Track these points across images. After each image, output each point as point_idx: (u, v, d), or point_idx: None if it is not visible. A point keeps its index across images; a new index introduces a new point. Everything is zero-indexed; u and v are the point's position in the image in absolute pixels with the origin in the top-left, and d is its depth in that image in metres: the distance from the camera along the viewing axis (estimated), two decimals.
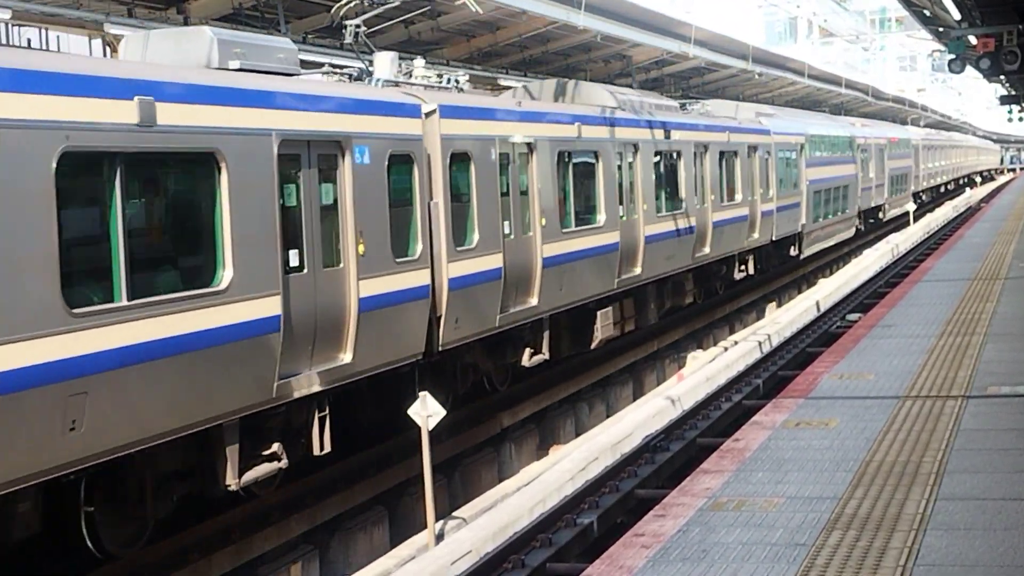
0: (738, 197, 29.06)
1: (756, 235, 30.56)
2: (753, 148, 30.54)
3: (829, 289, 30.91)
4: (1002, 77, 32.17)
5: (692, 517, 8.79)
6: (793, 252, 35.90)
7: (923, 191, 66.56)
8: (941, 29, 26.82)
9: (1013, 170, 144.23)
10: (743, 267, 30.87)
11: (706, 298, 28.99)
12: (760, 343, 22.98)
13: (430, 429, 13.02)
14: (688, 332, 27.53)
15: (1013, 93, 41.36)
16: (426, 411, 12.85)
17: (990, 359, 14.39)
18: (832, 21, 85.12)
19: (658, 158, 23.53)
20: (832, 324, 24.95)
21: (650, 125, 23.31)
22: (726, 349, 23.27)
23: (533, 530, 12.03)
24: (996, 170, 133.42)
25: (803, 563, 7.67)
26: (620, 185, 21.56)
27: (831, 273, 39.77)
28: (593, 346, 20.64)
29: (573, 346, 20.46)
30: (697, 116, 27.55)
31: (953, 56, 23.80)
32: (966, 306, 19.35)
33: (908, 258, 37.26)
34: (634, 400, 21.91)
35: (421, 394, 13.09)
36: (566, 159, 19.40)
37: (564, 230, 18.97)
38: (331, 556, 13.83)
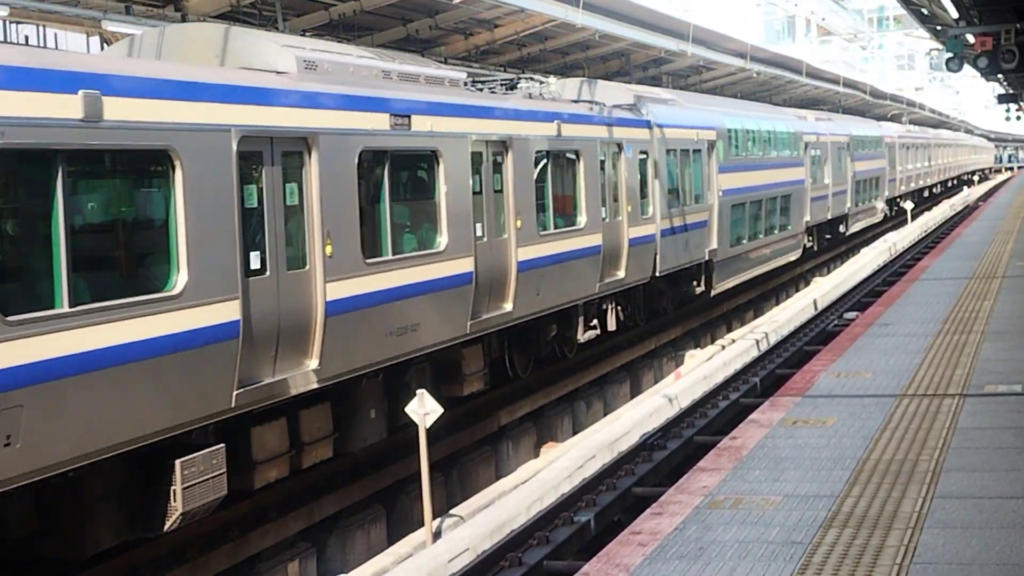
0: (581, 220, 19.90)
1: (621, 273, 21.55)
2: (616, 147, 21.56)
3: (827, 288, 30.94)
4: (1000, 76, 32.24)
5: (689, 515, 8.80)
6: (699, 289, 26.99)
7: (901, 197, 57.23)
8: (939, 28, 26.89)
9: (1011, 168, 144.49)
10: (593, 322, 21.49)
11: (537, 369, 20.19)
12: (757, 341, 23.01)
13: (427, 427, 13.03)
14: (686, 331, 27.53)
15: (1011, 92, 41.46)
16: (423, 409, 12.87)
17: (987, 358, 14.40)
18: (830, 20, 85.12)
19: (384, 163, 14.41)
20: (829, 322, 24.97)
21: (372, 107, 14.12)
22: (724, 347, 23.30)
23: (530, 528, 12.04)
24: (991, 170, 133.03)
25: (800, 561, 7.68)
26: (265, 215, 12.13)
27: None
28: (168, 526, 10.97)
29: (133, 531, 11.08)
30: (497, 98, 17.86)
31: (951, 55, 23.87)
32: (963, 304, 19.36)
33: (905, 257, 37.27)
34: (632, 398, 21.90)
35: (419, 392, 13.10)
36: (64, 163, 9.67)
37: (79, 312, 9.63)
38: (329, 554, 13.85)
